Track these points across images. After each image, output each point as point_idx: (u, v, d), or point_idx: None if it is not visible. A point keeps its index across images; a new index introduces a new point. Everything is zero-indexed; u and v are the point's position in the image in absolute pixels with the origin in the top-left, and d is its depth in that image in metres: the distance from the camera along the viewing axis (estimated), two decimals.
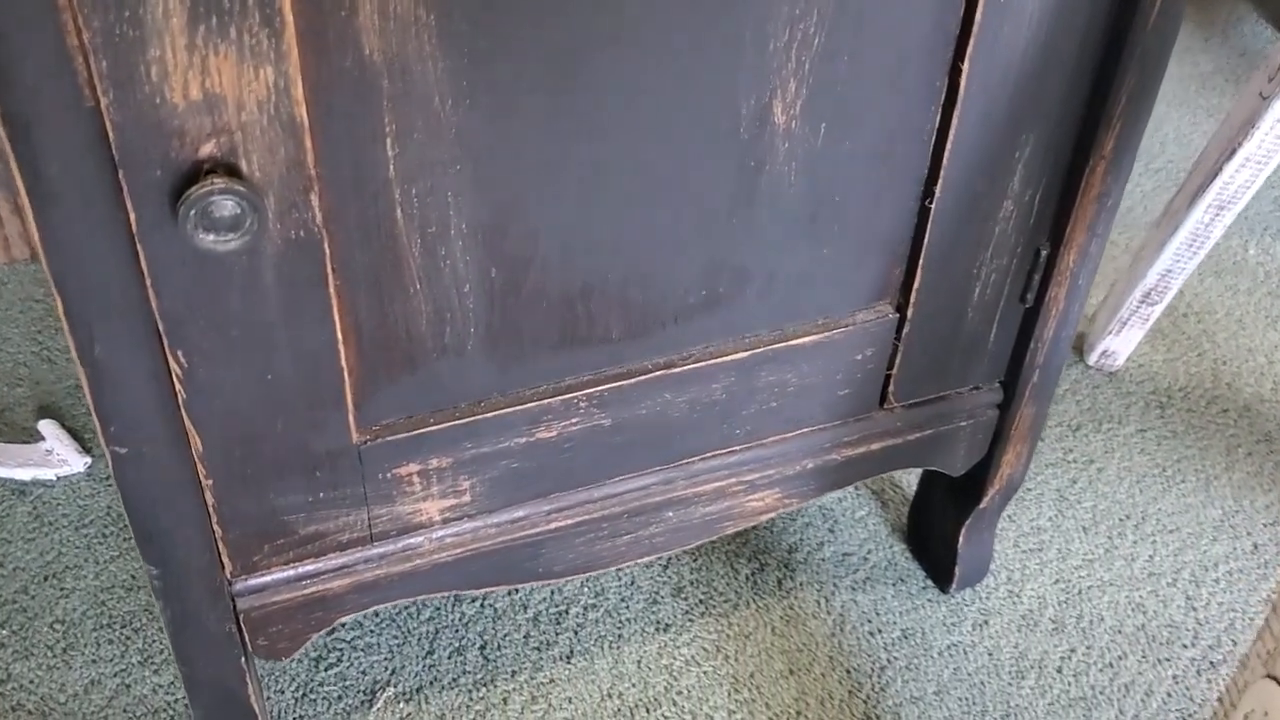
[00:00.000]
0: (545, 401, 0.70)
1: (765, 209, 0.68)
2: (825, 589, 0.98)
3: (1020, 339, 0.81)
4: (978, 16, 0.64)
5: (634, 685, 0.92)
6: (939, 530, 0.97)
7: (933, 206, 0.71)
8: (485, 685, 0.91)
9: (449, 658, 0.93)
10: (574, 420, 0.72)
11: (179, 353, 0.59)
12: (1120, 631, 0.97)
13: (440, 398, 0.68)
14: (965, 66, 0.66)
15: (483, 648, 0.93)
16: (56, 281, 0.54)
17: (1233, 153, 0.91)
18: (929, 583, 0.99)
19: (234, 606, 0.71)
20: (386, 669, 0.92)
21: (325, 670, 0.92)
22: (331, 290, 0.60)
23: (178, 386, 0.60)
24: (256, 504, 0.67)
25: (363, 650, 0.93)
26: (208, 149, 0.53)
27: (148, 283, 0.56)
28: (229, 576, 0.70)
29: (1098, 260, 0.78)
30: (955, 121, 0.68)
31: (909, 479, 1.06)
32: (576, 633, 0.94)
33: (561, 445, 0.73)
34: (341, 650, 0.93)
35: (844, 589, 0.98)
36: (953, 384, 0.82)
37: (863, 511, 1.04)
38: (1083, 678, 0.94)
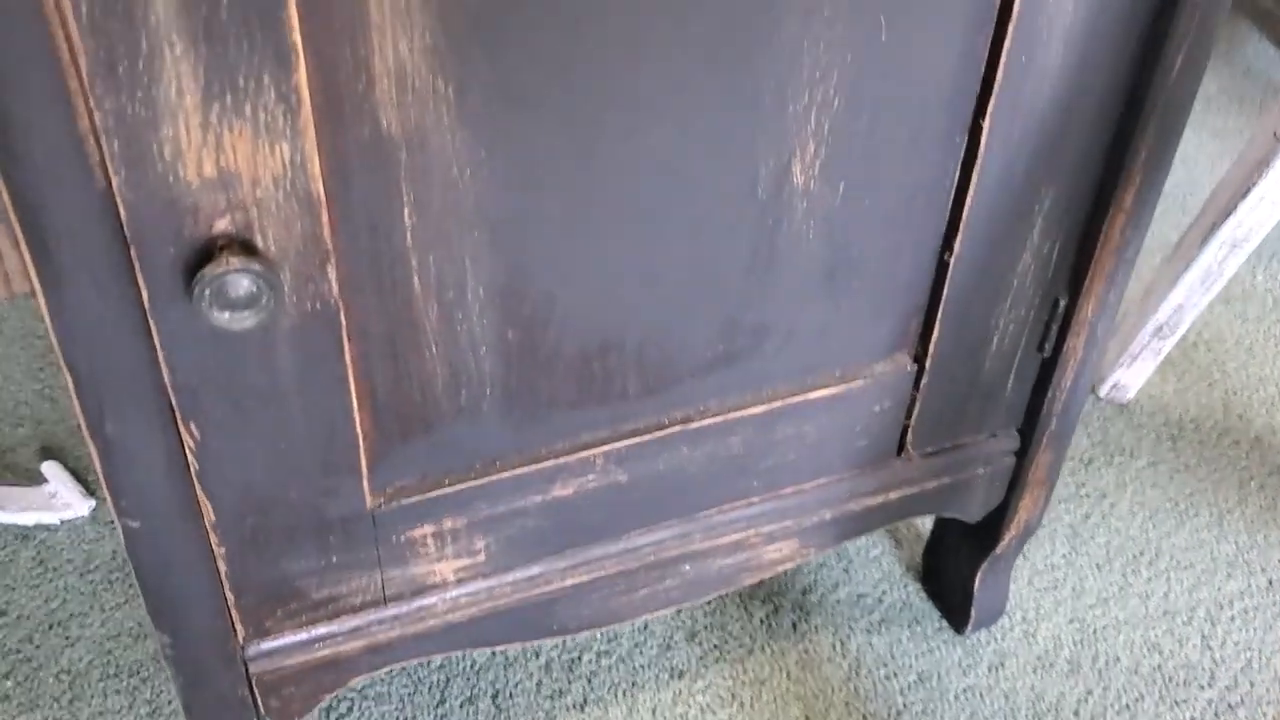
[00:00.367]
0: (562, 460, 0.69)
1: (783, 266, 0.67)
2: (840, 631, 0.97)
3: (1038, 387, 0.81)
4: (999, 76, 0.63)
5: None
6: (954, 572, 0.96)
7: (951, 260, 0.70)
8: None
9: (460, 707, 0.92)
10: (590, 478, 0.71)
11: (191, 425, 0.58)
12: (1136, 672, 0.96)
13: (455, 459, 0.67)
14: (986, 124, 0.65)
15: (494, 696, 0.92)
16: (66, 360, 0.53)
17: (1247, 192, 0.90)
18: (944, 623, 0.99)
19: (246, 670, 0.70)
20: (398, 719, 0.91)
21: None
22: (347, 359, 0.59)
23: (190, 458, 0.59)
24: (269, 570, 0.66)
25: (373, 700, 0.92)
26: (222, 225, 0.52)
27: (160, 358, 0.55)
28: (241, 641, 0.69)
29: (1116, 309, 0.77)
30: (975, 178, 0.67)
31: (923, 518, 1.06)
32: (589, 680, 0.93)
33: (578, 503, 0.72)
34: (352, 700, 0.92)
35: (859, 631, 0.98)
36: (970, 432, 0.82)
37: (877, 551, 1.03)
38: None
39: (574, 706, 0.92)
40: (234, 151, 0.50)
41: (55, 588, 0.98)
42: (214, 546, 0.63)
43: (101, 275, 0.51)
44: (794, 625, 0.98)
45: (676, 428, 0.71)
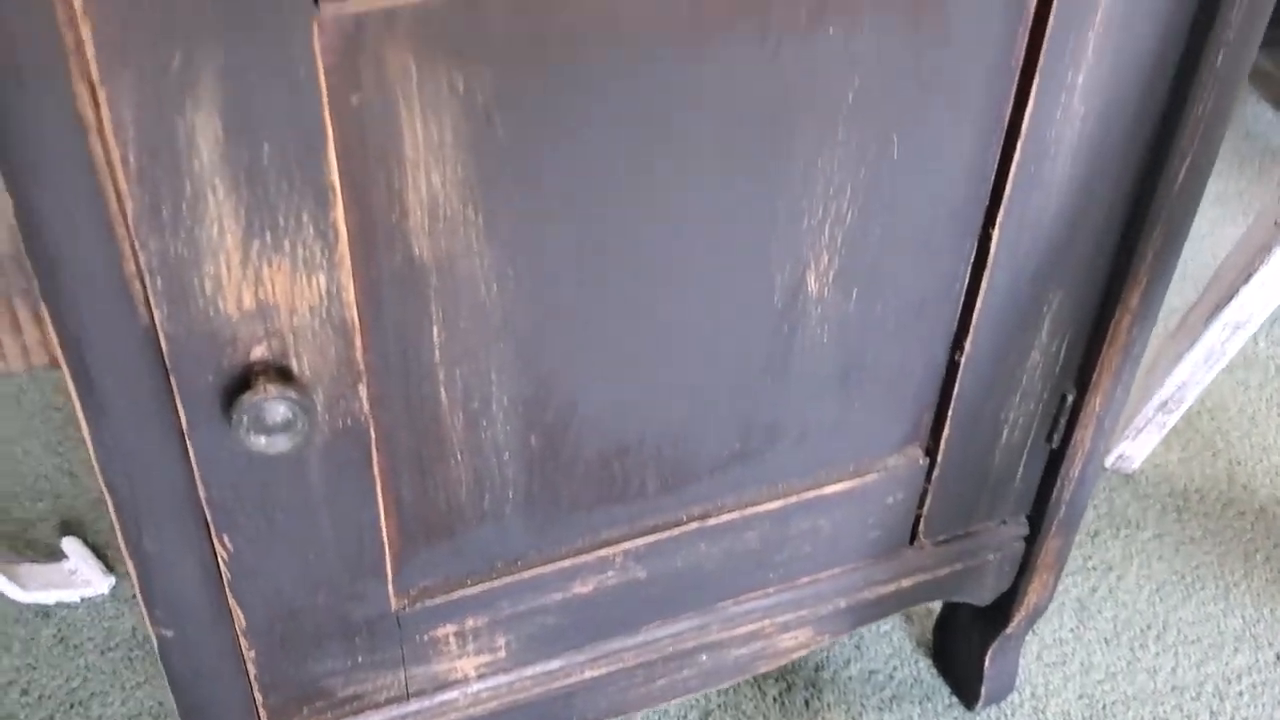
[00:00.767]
0: (582, 558, 0.71)
1: (797, 368, 0.69)
2: (853, 709, 0.98)
3: (1046, 476, 0.82)
4: (1007, 188, 0.65)
5: None
6: (964, 650, 0.97)
7: (962, 360, 0.72)
8: None
9: None
10: (610, 574, 0.72)
11: (225, 538, 0.59)
12: None
13: (478, 560, 0.69)
14: (995, 233, 0.67)
15: None
16: (107, 481, 0.55)
17: (1249, 277, 0.92)
18: (954, 700, 1.00)
19: None
20: None
21: None
22: (376, 470, 0.61)
23: (223, 569, 0.60)
24: (296, 671, 0.67)
25: None
26: (259, 352, 0.54)
27: (196, 477, 0.56)
28: None
29: (1123, 403, 0.78)
30: (985, 283, 0.69)
31: None
32: None
33: (598, 599, 0.73)
34: None
35: (871, 708, 0.98)
36: (980, 519, 0.83)
37: (887, 626, 1.04)
38: None
39: None
40: (272, 284, 0.52)
41: (76, 666, 0.99)
42: (244, 651, 0.64)
43: (142, 403, 0.53)
44: (806, 703, 0.98)
45: (694, 524, 0.73)
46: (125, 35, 0.43)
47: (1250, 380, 1.30)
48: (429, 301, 0.57)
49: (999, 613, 0.91)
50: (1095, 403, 0.77)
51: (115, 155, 0.46)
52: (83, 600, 1.04)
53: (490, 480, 0.65)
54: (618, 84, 0.53)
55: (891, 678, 1.01)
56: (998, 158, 0.64)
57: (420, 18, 0.48)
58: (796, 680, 1.00)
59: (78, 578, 1.05)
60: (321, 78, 0.47)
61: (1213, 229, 1.52)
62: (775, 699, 0.98)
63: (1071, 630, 1.05)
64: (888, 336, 0.70)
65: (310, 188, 0.50)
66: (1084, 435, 0.79)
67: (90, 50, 0.43)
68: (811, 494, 0.75)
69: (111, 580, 1.05)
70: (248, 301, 0.52)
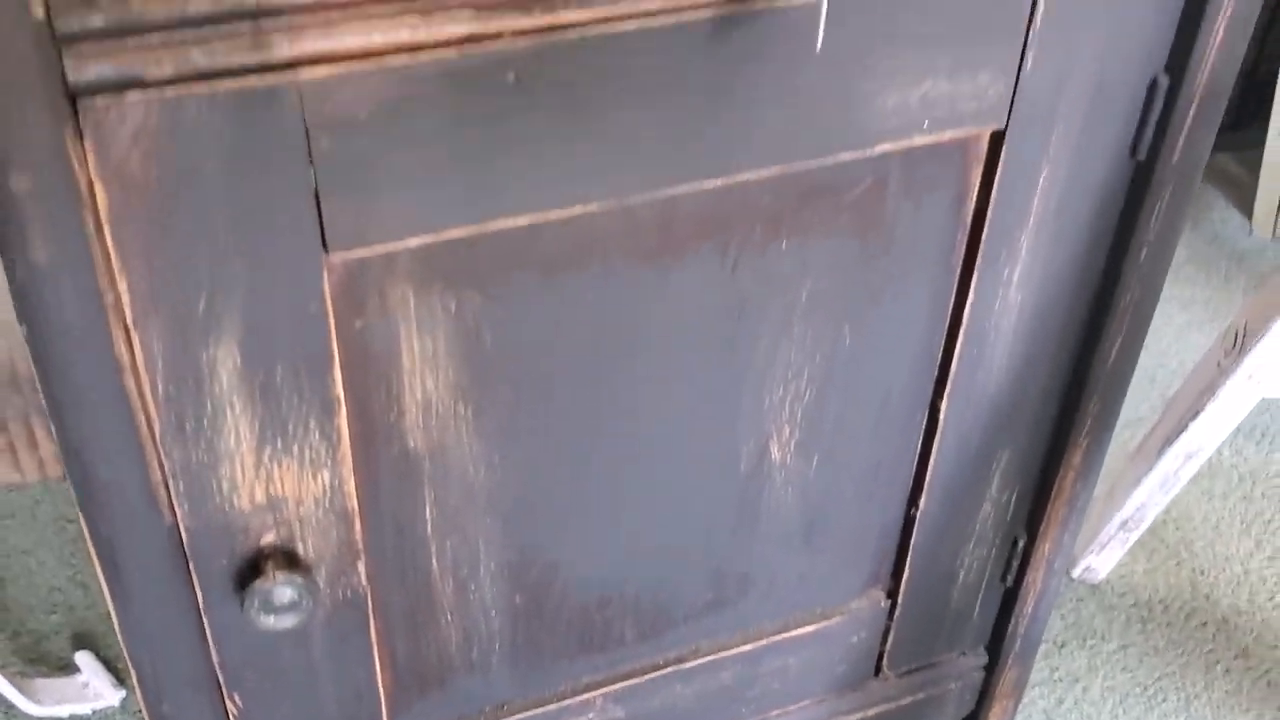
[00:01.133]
0: (563, 703, 0.76)
1: (764, 525, 0.75)
2: None
3: (1003, 611, 0.87)
4: (953, 368, 0.71)
5: None
6: None
7: (918, 514, 0.78)
8: None
9: None
10: (590, 716, 0.78)
11: (235, 695, 0.65)
12: None
13: (466, 706, 0.74)
14: (944, 405, 0.73)
15: None
16: (131, 655, 0.60)
17: (1196, 413, 0.98)
18: None
19: None
20: None
21: None
22: (373, 633, 0.66)
23: None
24: None
25: None
26: (269, 538, 0.59)
27: (211, 647, 0.62)
28: None
29: (1072, 546, 0.84)
30: (936, 447, 0.75)
31: None
32: None
33: None
34: None
35: None
36: (941, 652, 0.88)
37: None
38: None
39: None
40: (281, 481, 0.58)
41: None
42: None
43: (164, 587, 0.58)
44: None
45: (670, 668, 0.78)
46: (156, 287, 0.49)
47: (1215, 489, 1.36)
48: (422, 485, 0.63)
49: None
50: (1045, 548, 0.83)
51: (145, 384, 0.52)
52: (94, 713, 1.09)
53: (478, 635, 0.71)
54: (593, 299, 0.60)
55: None
56: (943, 343, 0.71)
57: (418, 257, 0.54)
58: None
59: (90, 691, 1.09)
60: (330, 309, 0.53)
61: (1179, 336, 1.59)
62: None
63: None
64: (847, 495, 0.76)
65: (317, 399, 0.56)
66: (1036, 576, 0.84)
67: (126, 301, 0.49)
68: (781, 636, 0.80)
69: (122, 693, 1.10)
70: (259, 496, 0.58)
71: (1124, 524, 1.14)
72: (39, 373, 0.49)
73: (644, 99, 0.53)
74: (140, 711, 1.11)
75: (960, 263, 0.67)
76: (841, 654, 0.84)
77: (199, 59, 0.44)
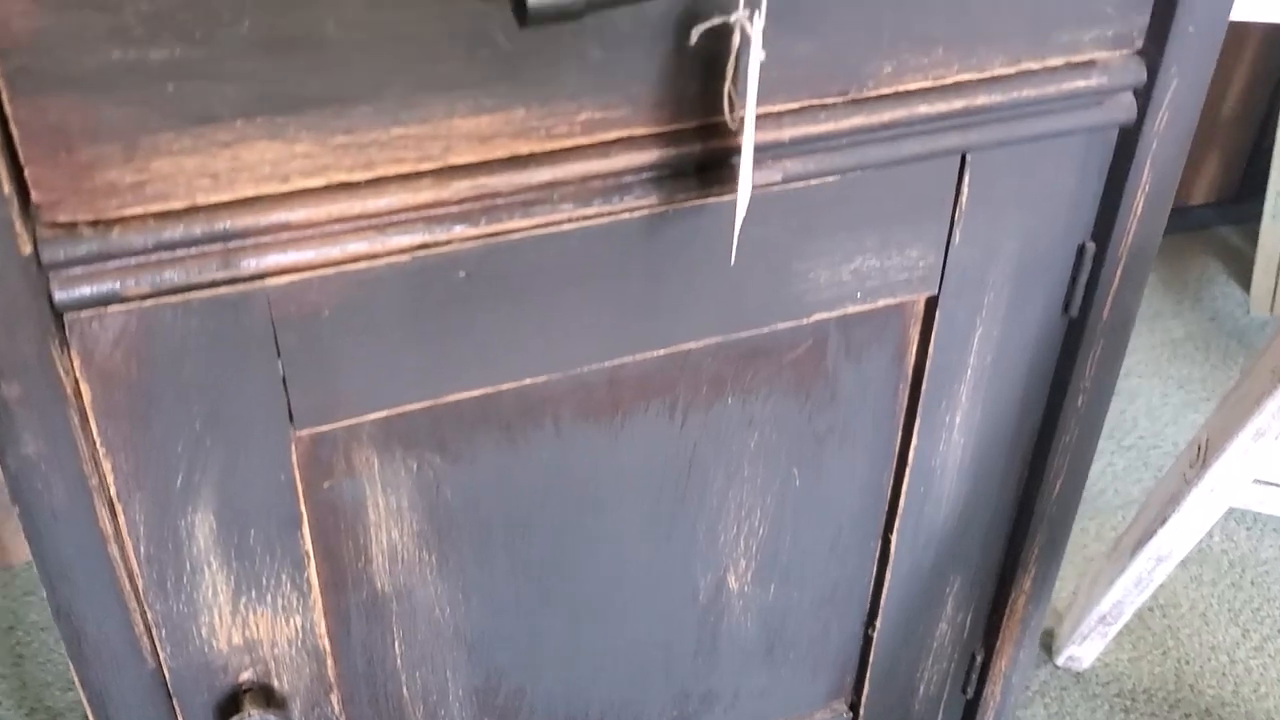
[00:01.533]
0: None
1: (725, 648, 0.78)
2: None
3: (965, 718, 0.91)
4: (901, 503, 0.75)
5: None
6: None
7: (875, 634, 0.81)
8: None
9: None
10: None
11: None
12: None
13: None
14: (894, 537, 0.76)
15: None
16: None
17: (1164, 520, 1.01)
18: None
19: None
20: None
21: None
22: None
23: None
24: None
25: None
26: (246, 675, 0.64)
27: None
28: None
29: (1029, 662, 0.87)
30: (889, 574, 0.78)
31: None
32: None
33: None
34: None
35: None
36: None
37: None
38: None
39: None
40: (256, 626, 0.62)
41: None
42: None
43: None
44: None
45: None
46: (138, 468, 0.54)
47: (1204, 576, 1.38)
48: (391, 623, 0.67)
49: None
50: (1001, 663, 0.86)
51: (129, 549, 0.57)
52: None
53: None
54: (548, 454, 0.64)
55: None
56: (891, 480, 0.74)
57: (380, 426, 0.59)
58: None
59: None
60: (298, 477, 0.58)
61: (1176, 415, 1.61)
62: None
63: None
64: (806, 617, 0.80)
65: (288, 556, 0.60)
66: (994, 689, 0.87)
67: (111, 480, 0.54)
68: None
69: None
70: (236, 639, 0.63)
71: (1103, 619, 1.17)
72: (31, 546, 0.54)
73: (587, 285, 0.58)
74: None
75: (904, 409, 0.71)
76: None
77: (173, 277, 0.50)
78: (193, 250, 0.49)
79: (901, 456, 0.73)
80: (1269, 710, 1.23)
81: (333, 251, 0.51)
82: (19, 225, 0.46)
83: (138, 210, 0.48)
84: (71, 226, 0.47)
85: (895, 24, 0.55)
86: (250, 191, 0.49)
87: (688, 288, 0.60)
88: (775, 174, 0.57)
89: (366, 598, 0.66)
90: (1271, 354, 0.92)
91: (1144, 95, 0.61)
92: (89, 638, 0.58)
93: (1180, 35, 0.59)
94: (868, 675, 0.84)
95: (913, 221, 0.62)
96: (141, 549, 0.57)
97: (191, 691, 0.63)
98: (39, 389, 0.50)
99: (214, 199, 0.49)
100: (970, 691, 0.88)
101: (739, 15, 0.47)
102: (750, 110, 0.49)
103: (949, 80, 0.58)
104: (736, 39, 0.48)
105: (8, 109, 0.44)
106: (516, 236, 0.55)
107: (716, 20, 0.49)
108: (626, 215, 0.56)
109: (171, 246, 0.49)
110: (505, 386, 0.60)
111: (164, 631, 0.60)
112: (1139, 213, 0.65)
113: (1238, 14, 1.10)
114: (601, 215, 0.55)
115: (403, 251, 0.53)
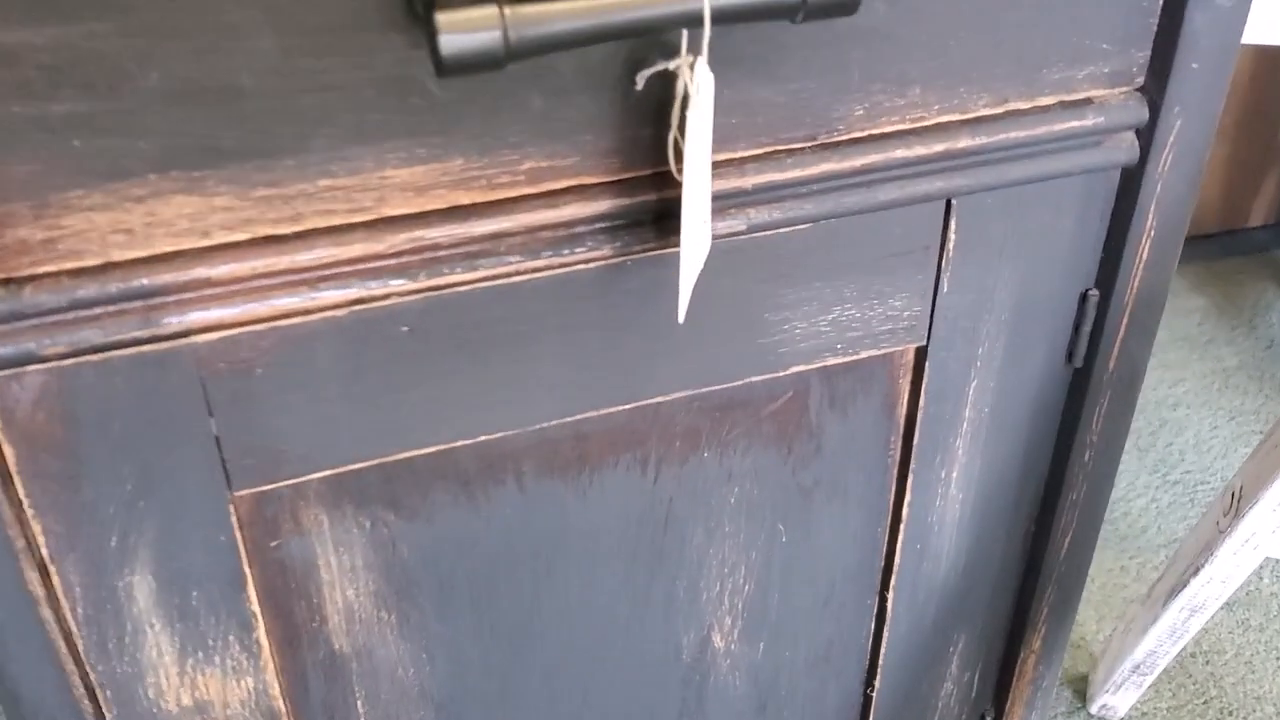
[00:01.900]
0: None
1: (713, 707, 0.75)
2: None
3: None
4: (897, 559, 0.71)
5: None
6: None
7: (874, 694, 0.77)
8: None
9: None
10: None
11: None
12: None
13: None
14: (891, 595, 0.72)
15: None
16: None
17: (1197, 570, 0.95)
18: None
19: None
20: None
21: None
22: None
23: None
24: None
25: None
26: None
27: None
28: None
29: None
30: (887, 633, 0.74)
31: None
32: None
33: None
34: None
35: None
36: None
37: None
38: None
39: None
40: (206, 687, 0.60)
41: None
42: None
43: None
44: None
45: None
46: (70, 529, 0.52)
47: (1251, 620, 1.31)
48: (352, 683, 0.65)
49: None
50: None
51: (65, 610, 0.55)
52: None
53: None
54: (511, 511, 0.61)
55: None
56: (886, 535, 0.70)
57: (328, 484, 0.57)
58: None
59: None
60: (240, 537, 0.56)
61: (1225, 449, 1.53)
62: None
63: None
64: (800, 675, 0.76)
65: (234, 618, 0.58)
66: None
67: (42, 541, 0.52)
68: None
69: None
70: (186, 700, 0.60)
71: (1136, 668, 1.11)
72: None
73: (542, 339, 0.55)
74: None
75: (897, 462, 0.67)
76: None
77: (92, 336, 0.47)
78: (110, 308, 0.47)
79: (896, 511, 0.69)
80: None
81: (260, 307, 0.49)
82: None
83: (50, 268, 0.46)
84: None
85: (865, 64, 0.51)
86: (168, 247, 0.47)
87: (651, 340, 0.56)
88: (739, 223, 0.53)
89: (324, 657, 0.63)
90: None
91: (1146, 135, 0.57)
92: (26, 700, 0.56)
93: (1183, 71, 0.55)
94: None
95: (896, 270, 0.58)
96: (79, 610, 0.55)
97: None
98: None
99: (130, 255, 0.46)
100: None
101: (680, 61, 0.44)
102: (695, 161, 0.45)
103: (929, 122, 0.54)
104: (681, 86, 0.45)
105: None
106: (464, 289, 0.52)
107: (659, 66, 0.45)
108: (581, 266, 0.53)
109: (88, 305, 0.47)
110: (460, 444, 0.57)
111: (109, 692, 0.58)
112: (1144, 258, 0.60)
113: (1259, 38, 1.04)
114: (553, 267, 0.52)
115: (337, 306, 0.50)
